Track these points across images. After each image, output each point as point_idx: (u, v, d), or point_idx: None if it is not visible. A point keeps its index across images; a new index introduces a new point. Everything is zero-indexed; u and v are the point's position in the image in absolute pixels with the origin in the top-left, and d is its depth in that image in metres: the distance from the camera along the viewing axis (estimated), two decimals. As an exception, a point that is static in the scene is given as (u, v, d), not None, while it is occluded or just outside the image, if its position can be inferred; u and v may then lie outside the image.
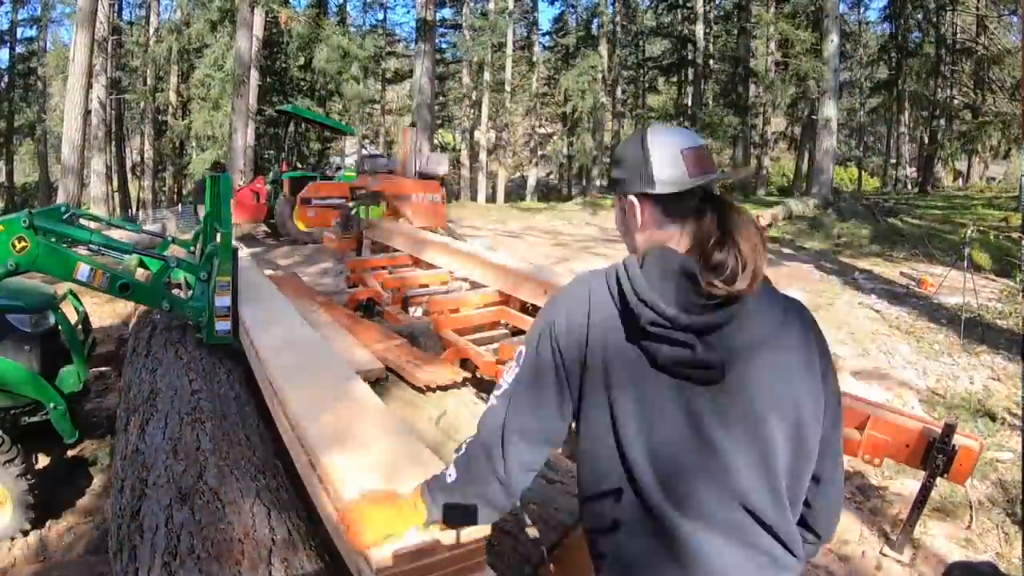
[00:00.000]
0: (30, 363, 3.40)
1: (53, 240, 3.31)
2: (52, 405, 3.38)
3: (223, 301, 3.43)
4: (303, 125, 17.87)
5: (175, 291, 4.10)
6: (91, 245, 3.73)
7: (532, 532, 1.83)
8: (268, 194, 12.04)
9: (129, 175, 28.57)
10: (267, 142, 23.70)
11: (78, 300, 4.21)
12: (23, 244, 3.04)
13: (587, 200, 20.20)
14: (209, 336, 3.47)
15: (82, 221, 4.30)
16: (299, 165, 12.57)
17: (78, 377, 3.62)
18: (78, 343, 3.71)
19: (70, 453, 3.90)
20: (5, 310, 3.43)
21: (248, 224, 12.40)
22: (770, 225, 13.41)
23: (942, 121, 23.54)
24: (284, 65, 24.77)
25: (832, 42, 17.52)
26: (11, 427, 3.36)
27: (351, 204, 7.66)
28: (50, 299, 3.73)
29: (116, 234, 5.42)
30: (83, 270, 3.24)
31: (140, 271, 4.29)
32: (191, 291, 3.79)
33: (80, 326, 4.02)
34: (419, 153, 9.52)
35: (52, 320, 3.64)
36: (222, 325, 3.44)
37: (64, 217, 3.94)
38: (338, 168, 13.89)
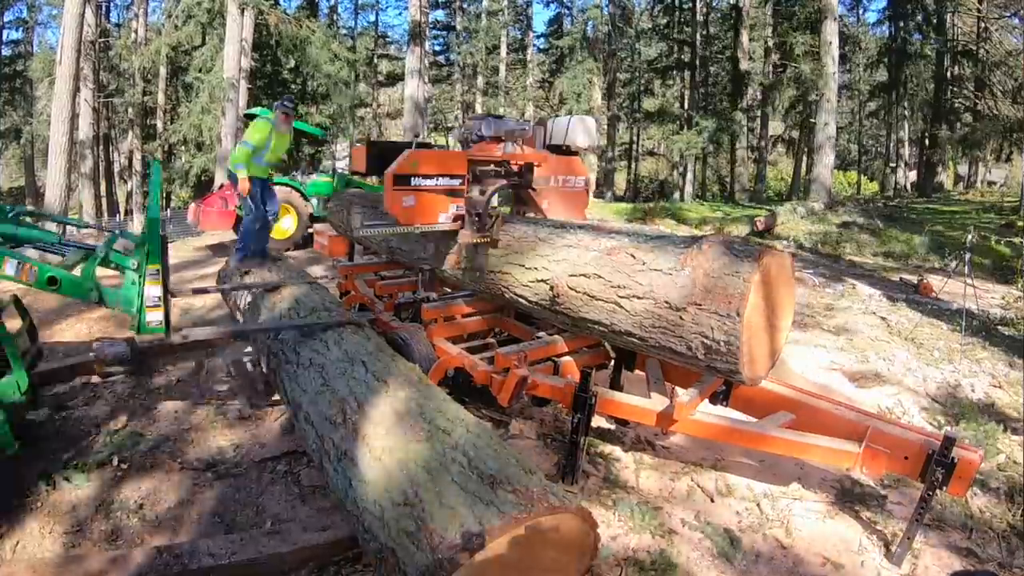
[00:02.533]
0: None
1: None
2: None
3: (154, 290, 3.37)
4: None
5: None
6: (18, 241, 3.67)
7: None
8: (238, 201, 11.52)
9: (117, 179, 28.32)
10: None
11: (22, 308, 4.09)
12: None
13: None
14: (141, 327, 3.43)
15: (29, 220, 4.22)
16: (271, 171, 12.19)
17: (17, 387, 3.50)
18: (15, 351, 3.55)
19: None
20: None
21: (217, 232, 12.00)
22: (767, 229, 13.36)
23: (943, 124, 23.46)
24: (274, 68, 24.62)
25: (831, 43, 17.48)
26: None
27: (486, 188, 4.63)
28: None
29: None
30: (9, 265, 3.24)
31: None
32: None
33: (25, 334, 3.91)
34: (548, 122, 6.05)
35: None
36: (154, 315, 3.40)
37: (8, 216, 3.87)
38: (310, 174, 13.09)
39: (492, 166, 4.79)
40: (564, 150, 5.43)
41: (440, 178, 4.18)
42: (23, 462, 3.71)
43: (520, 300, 3.96)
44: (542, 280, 3.71)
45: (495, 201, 4.82)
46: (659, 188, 30.78)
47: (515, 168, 4.88)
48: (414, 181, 4.06)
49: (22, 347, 3.66)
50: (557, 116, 5.82)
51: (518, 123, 5.23)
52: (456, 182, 4.28)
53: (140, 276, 3.39)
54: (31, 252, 3.64)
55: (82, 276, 3.52)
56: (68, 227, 12.34)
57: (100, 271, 3.59)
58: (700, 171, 31.90)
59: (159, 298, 3.38)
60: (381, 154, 4.65)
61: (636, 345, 3.30)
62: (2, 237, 3.52)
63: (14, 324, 3.79)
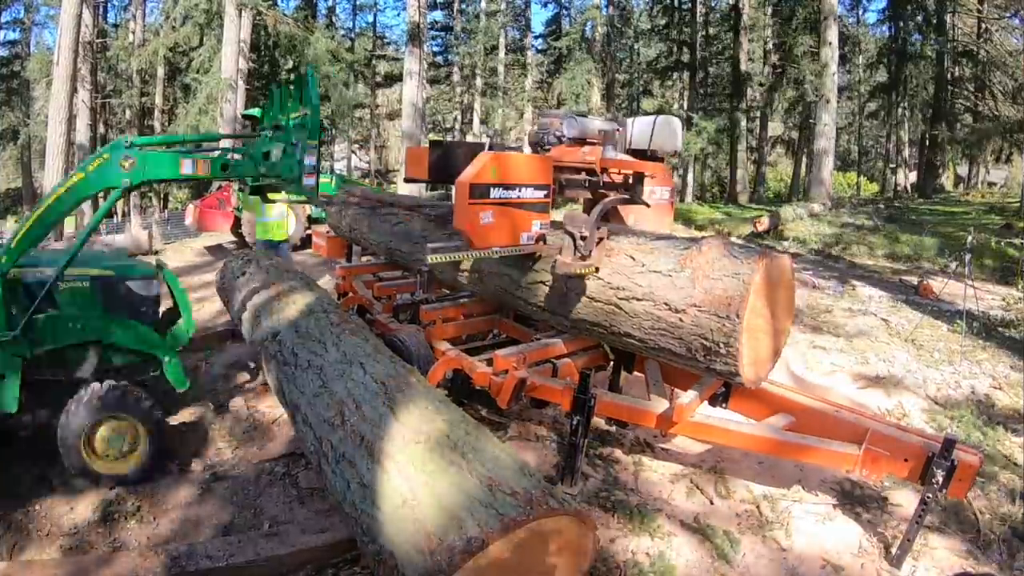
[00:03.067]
0: (147, 322, 3.92)
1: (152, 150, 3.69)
2: (167, 359, 3.89)
3: (311, 160, 3.75)
4: None
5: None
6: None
7: None
8: (235, 201, 11.15)
9: (114, 180, 28.24)
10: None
11: (170, 274, 4.43)
12: (130, 161, 3.46)
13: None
14: (298, 191, 3.85)
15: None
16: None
17: (187, 332, 4.16)
18: (187, 301, 4.23)
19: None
20: (125, 277, 3.96)
21: (215, 233, 11.93)
22: (766, 231, 13.34)
23: (943, 125, 23.39)
24: (272, 69, 24.60)
25: (831, 44, 17.44)
26: (136, 381, 3.79)
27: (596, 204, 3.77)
28: (153, 271, 4.21)
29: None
30: (187, 164, 3.68)
31: None
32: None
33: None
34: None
35: (157, 287, 4.14)
36: (309, 181, 3.75)
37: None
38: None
39: (584, 175, 3.93)
40: (649, 155, 4.55)
41: (524, 189, 3.37)
42: (21, 465, 3.71)
43: (520, 301, 3.94)
44: (540, 282, 3.69)
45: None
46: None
47: (617, 179, 4.05)
48: (494, 193, 3.25)
49: (185, 299, 4.27)
50: (637, 115, 4.65)
51: (608, 122, 4.36)
52: (541, 194, 3.48)
53: (302, 148, 3.73)
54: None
55: (251, 157, 4.01)
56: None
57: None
58: (699, 172, 31.91)
59: (314, 167, 3.75)
60: (446, 157, 3.97)
61: (635, 347, 3.28)
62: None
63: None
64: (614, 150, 4.10)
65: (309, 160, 3.75)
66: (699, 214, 17.61)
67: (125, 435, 3.60)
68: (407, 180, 4.65)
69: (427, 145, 4.40)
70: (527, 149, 4.40)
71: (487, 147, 3.50)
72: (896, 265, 10.35)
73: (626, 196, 4.01)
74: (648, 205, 4.12)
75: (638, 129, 4.54)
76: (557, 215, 3.77)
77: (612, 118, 4.49)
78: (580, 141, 4.05)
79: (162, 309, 4.28)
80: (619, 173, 4.04)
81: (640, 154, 4.49)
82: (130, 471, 3.61)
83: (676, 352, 2.98)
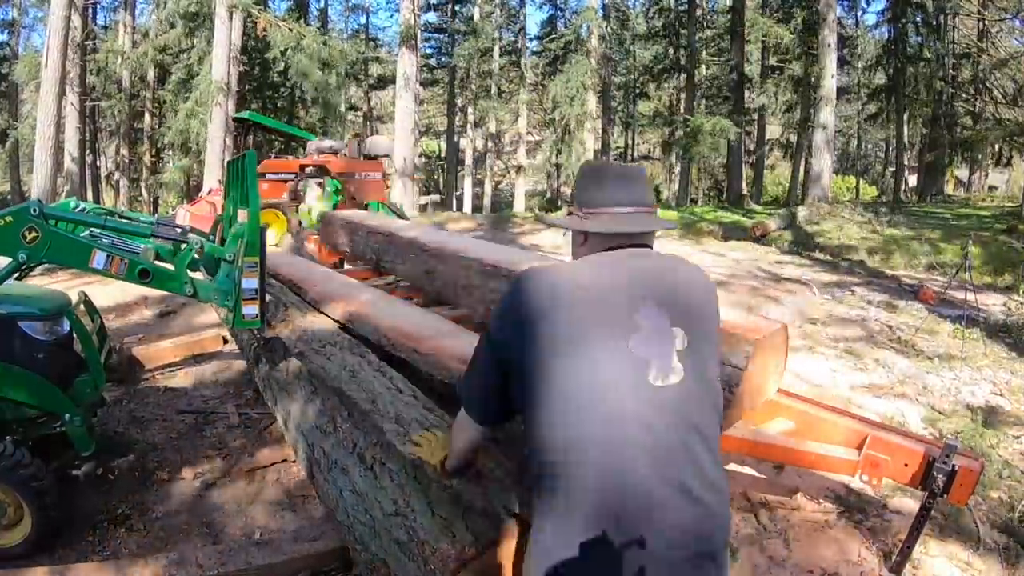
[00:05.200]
0: (44, 372, 3.23)
1: (64, 229, 3.16)
2: (67, 416, 3.23)
3: (250, 283, 3.17)
4: (263, 133, 17.06)
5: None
6: (105, 234, 3.40)
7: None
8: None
9: (104, 184, 28.08)
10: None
11: (93, 308, 4.00)
12: (34, 234, 2.93)
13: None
14: (236, 322, 3.23)
15: (93, 214, 4.09)
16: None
17: (94, 386, 3.44)
18: (94, 351, 3.48)
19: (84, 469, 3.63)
20: (17, 317, 3.26)
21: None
22: (765, 235, 13.35)
23: (943, 128, 23.36)
24: (263, 72, 24.51)
25: (830, 45, 17.48)
26: (27, 439, 3.17)
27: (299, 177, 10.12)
28: (64, 305, 3.52)
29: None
30: (99, 258, 3.09)
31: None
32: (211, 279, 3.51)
33: (96, 334, 3.77)
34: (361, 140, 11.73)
35: (66, 327, 3.44)
36: (249, 309, 3.19)
37: (74, 209, 3.81)
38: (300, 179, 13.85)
39: (312, 168, 10.69)
40: (371, 157, 10.96)
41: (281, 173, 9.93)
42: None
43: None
44: None
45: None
46: (655, 193, 30.84)
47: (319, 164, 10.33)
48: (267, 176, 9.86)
49: (95, 346, 3.57)
50: (374, 136, 13.42)
51: (333, 143, 11.77)
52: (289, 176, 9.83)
53: (237, 269, 3.20)
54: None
55: (176, 269, 3.34)
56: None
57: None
58: (696, 175, 31.99)
59: (255, 291, 3.19)
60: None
61: None
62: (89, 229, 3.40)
63: (87, 323, 3.70)
64: (317, 155, 11.07)
65: (248, 283, 3.15)
66: (712, 217, 17.59)
67: (4, 507, 3.03)
68: None
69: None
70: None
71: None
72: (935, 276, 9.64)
73: (317, 174, 10.47)
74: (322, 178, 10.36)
75: (366, 144, 11.22)
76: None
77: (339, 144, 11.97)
78: (318, 151, 11.68)
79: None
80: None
81: (367, 157, 11.03)
82: (16, 545, 3.06)
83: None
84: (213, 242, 3.88)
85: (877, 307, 7.73)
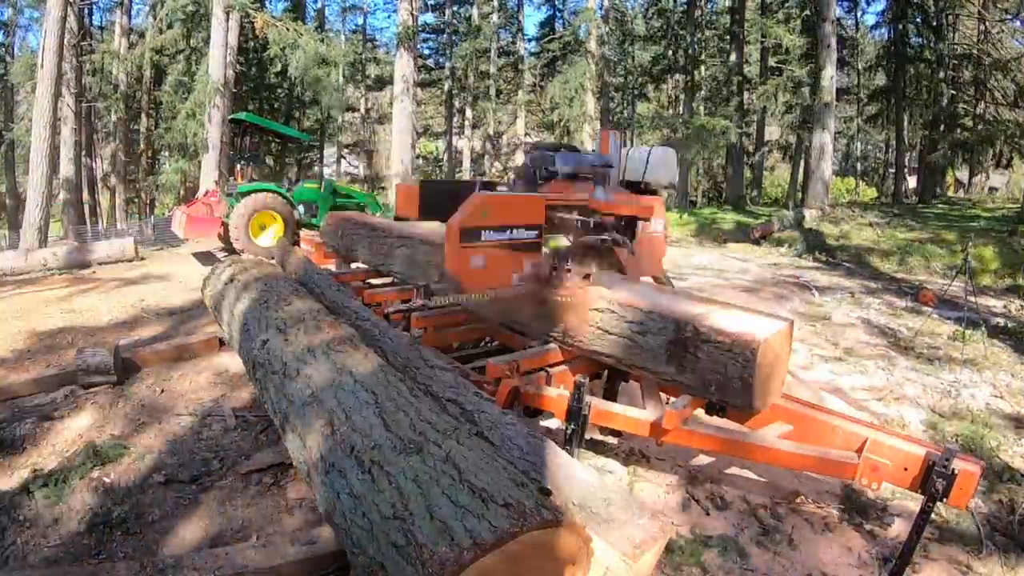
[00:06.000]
0: None
1: None
2: None
3: None
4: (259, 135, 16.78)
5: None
6: None
7: None
8: (222, 208, 11.16)
9: (100, 185, 28.01)
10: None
11: None
12: None
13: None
14: None
15: None
16: (255, 177, 11.88)
17: None
18: None
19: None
20: None
21: (203, 240, 11.83)
22: (763, 237, 13.32)
23: (943, 129, 23.23)
24: (260, 73, 24.48)
25: (829, 46, 17.46)
26: None
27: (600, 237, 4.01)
28: None
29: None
30: None
31: None
32: None
33: None
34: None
35: None
36: None
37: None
38: (297, 180, 12.69)
39: (576, 213, 3.92)
40: (643, 187, 4.46)
41: (515, 230, 3.34)
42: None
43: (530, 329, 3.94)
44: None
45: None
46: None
47: (608, 219, 3.98)
48: (484, 235, 3.19)
49: None
50: (651, 148, 4.61)
51: (599, 157, 4.29)
52: (533, 234, 3.43)
53: None
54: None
55: None
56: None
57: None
58: (695, 177, 32.00)
59: None
60: (436, 196, 3.99)
61: (649, 379, 3.45)
62: None
63: None
64: (604, 188, 4.05)
65: None
66: (722, 219, 17.59)
67: None
68: (396, 218, 4.64)
69: (417, 183, 4.44)
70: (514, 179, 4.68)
71: (477, 187, 3.55)
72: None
73: (615, 239, 4.02)
74: (633, 253, 4.09)
75: (633, 161, 4.47)
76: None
77: (605, 155, 4.47)
78: (572, 177, 4.10)
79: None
80: (611, 215, 4.00)
81: (634, 186, 4.45)
82: None
83: (689, 385, 3.12)
84: None
85: (877, 309, 7.73)
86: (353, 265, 6.65)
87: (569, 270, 3.64)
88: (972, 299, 6.84)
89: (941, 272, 9.46)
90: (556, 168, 4.11)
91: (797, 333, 6.39)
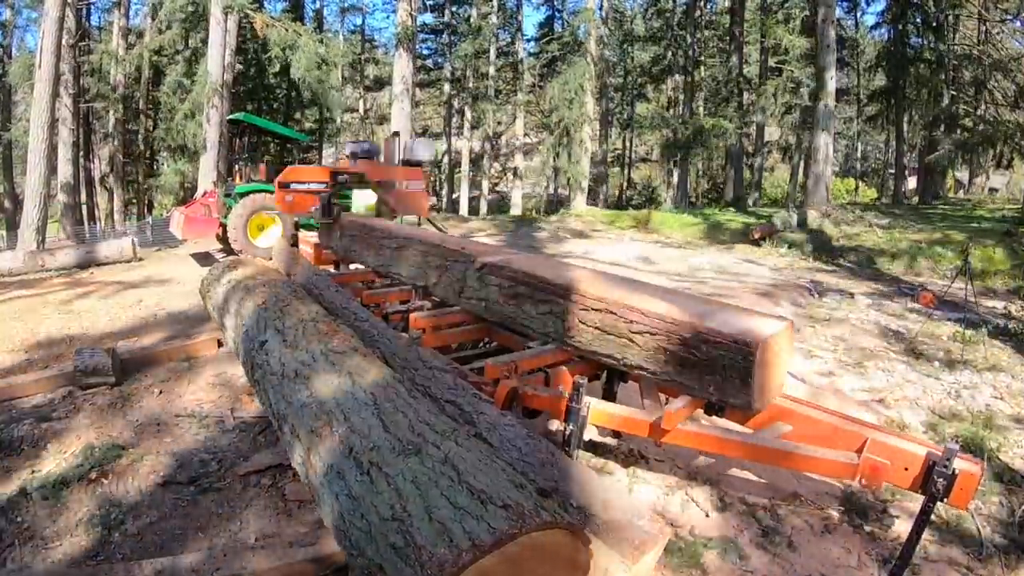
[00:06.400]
0: None
1: None
2: None
3: None
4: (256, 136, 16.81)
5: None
6: None
7: None
8: (221, 208, 11.19)
9: (98, 186, 27.97)
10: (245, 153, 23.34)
11: None
12: None
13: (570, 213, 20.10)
14: None
15: None
16: (252, 177, 11.89)
17: None
18: None
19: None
20: None
21: (201, 240, 11.82)
22: (763, 238, 13.29)
23: (943, 129, 23.14)
24: (259, 73, 24.45)
25: (829, 47, 17.42)
26: None
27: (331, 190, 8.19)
28: None
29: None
30: None
31: None
32: None
33: None
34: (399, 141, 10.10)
35: None
36: None
37: None
38: None
39: (344, 175, 9.31)
40: (410, 163, 9.03)
41: (310, 184, 8.51)
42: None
43: (529, 331, 3.94)
44: (549, 312, 3.71)
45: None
46: (651, 195, 30.74)
47: (355, 172, 8.93)
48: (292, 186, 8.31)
49: None
50: (417, 139, 10.20)
51: (370, 147, 9.65)
52: (320, 187, 7.68)
53: None
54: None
55: None
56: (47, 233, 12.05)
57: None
58: (694, 177, 31.98)
59: None
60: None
61: (647, 378, 3.42)
62: None
63: None
64: (352, 161, 9.51)
65: None
66: (730, 221, 17.61)
67: None
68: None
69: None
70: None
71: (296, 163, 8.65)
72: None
73: (355, 184, 9.29)
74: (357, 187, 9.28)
75: (406, 147, 9.51)
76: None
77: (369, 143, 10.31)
78: (353, 155, 9.72)
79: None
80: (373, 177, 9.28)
81: (407, 163, 9.40)
82: None
83: (688, 385, 3.12)
84: None
85: (876, 311, 7.72)
86: (352, 266, 6.65)
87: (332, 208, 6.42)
88: (972, 300, 6.82)
89: (951, 275, 9.41)
90: (347, 153, 9.18)
91: (798, 334, 6.39)
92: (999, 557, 3.12)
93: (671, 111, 29.45)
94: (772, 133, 30.85)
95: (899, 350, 6.23)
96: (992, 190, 29.26)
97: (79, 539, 3.24)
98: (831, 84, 17.65)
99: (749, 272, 10.27)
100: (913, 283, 9.34)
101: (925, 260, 10.84)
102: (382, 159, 10.38)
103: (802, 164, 25.26)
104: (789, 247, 12.89)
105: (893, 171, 29.56)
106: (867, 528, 3.29)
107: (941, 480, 2.72)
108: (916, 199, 25.48)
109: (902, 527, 3.25)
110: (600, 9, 26.80)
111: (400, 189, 8.95)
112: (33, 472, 3.69)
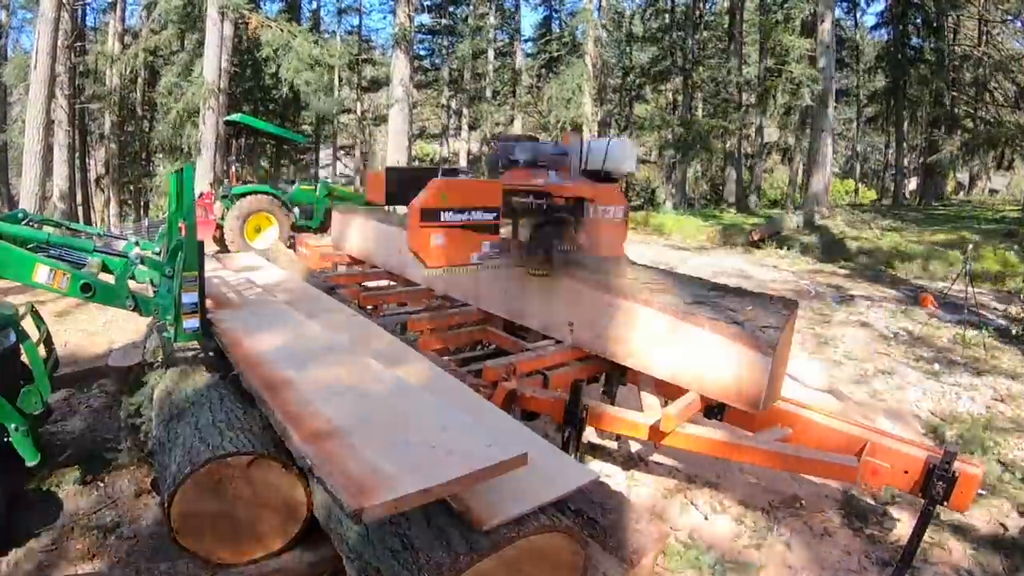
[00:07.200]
0: None
1: (7, 242, 3.19)
2: (13, 426, 3.23)
3: (190, 297, 3.27)
4: (253, 137, 15.89)
5: (144, 292, 3.89)
6: (49, 247, 3.60)
7: None
8: (217, 210, 11.09)
9: (93, 188, 27.87)
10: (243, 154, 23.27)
11: (39, 318, 4.03)
12: None
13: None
14: (178, 335, 3.33)
15: (42, 227, 4.14)
16: (249, 179, 11.77)
17: (40, 397, 3.41)
18: (40, 362, 3.47)
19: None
20: None
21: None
22: (762, 239, 13.24)
23: (943, 130, 23.05)
24: (255, 74, 24.37)
25: (828, 47, 17.40)
26: None
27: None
28: (10, 316, 3.53)
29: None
30: (42, 272, 3.16)
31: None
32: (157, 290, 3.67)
33: (42, 344, 3.80)
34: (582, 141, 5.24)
35: (13, 338, 3.45)
36: (190, 323, 3.29)
37: (22, 221, 3.91)
38: (291, 182, 12.52)
39: (531, 198, 4.32)
40: (603, 176, 4.75)
41: (473, 212, 3.62)
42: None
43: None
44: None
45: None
46: (650, 196, 30.67)
47: (559, 201, 4.36)
48: (444, 216, 3.48)
49: (41, 357, 3.57)
50: (612, 139, 4.98)
51: (558, 147, 4.68)
52: (491, 216, 3.70)
53: (176, 283, 3.29)
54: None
55: (116, 284, 3.45)
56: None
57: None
58: (693, 179, 31.93)
59: (195, 304, 3.29)
60: (401, 182, 4.25)
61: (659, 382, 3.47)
62: (20, 242, 3.45)
63: (33, 335, 3.72)
64: (559, 174, 4.47)
65: (188, 298, 3.24)
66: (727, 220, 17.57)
67: None
68: (367, 203, 4.87)
69: (383, 170, 4.79)
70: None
71: (439, 173, 3.78)
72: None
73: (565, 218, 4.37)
74: (575, 231, 4.42)
75: (593, 151, 4.77)
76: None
77: (564, 145, 4.87)
78: (532, 164, 4.54)
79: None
80: (560, 198, 4.37)
81: (594, 175, 4.74)
82: None
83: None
84: (159, 255, 3.94)
85: (876, 313, 7.69)
86: (342, 267, 6.61)
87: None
88: (974, 302, 6.82)
89: (968, 278, 9.33)
90: (516, 157, 4.51)
91: (797, 337, 6.39)
92: (1000, 559, 3.12)
93: (671, 112, 29.40)
94: (771, 134, 30.82)
95: (900, 351, 6.21)
96: (993, 191, 29.26)
97: (76, 542, 3.23)
98: (831, 85, 17.64)
99: (764, 276, 10.20)
100: (935, 287, 9.20)
101: (939, 262, 10.76)
102: (568, 168, 5.38)
103: (802, 165, 25.23)
104: (789, 249, 12.85)
105: (893, 172, 29.55)
106: (867, 531, 3.29)
107: (941, 483, 2.71)
108: (917, 200, 25.46)
109: (902, 529, 3.24)
110: (598, 10, 26.74)
111: (593, 218, 4.82)
112: (31, 474, 3.65)
